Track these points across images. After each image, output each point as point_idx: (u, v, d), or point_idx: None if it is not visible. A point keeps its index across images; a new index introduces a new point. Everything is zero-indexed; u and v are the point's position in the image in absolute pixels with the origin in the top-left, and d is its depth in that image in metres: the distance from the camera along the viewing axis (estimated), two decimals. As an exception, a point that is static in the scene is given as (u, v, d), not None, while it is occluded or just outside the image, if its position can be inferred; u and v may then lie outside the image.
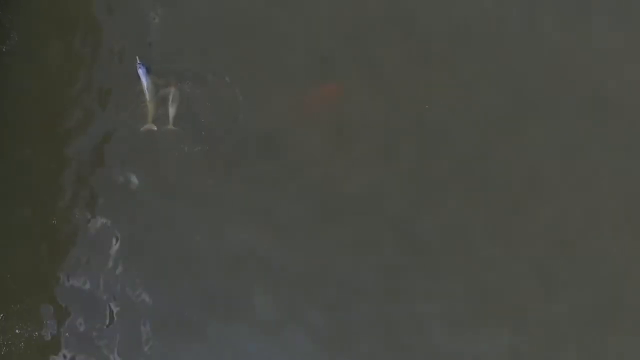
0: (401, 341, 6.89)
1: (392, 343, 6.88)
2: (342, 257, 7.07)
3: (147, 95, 7.33)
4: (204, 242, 7.21)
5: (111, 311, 7.03)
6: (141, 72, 7.31)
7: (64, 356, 6.88)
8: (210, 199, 7.30)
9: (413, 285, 6.98)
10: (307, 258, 7.08)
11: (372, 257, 7.09)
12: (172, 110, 7.35)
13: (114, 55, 7.74)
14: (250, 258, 7.11)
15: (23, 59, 7.84)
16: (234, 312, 7.00)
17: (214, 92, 7.48)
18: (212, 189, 7.32)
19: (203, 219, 7.27)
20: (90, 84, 7.69)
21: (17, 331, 6.86)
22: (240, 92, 7.53)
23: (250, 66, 7.63)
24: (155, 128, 7.36)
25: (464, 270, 6.99)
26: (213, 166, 7.35)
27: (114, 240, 7.22)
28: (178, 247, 7.19)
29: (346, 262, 7.06)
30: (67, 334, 6.91)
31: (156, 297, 7.03)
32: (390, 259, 7.07)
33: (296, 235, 7.16)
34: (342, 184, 7.28)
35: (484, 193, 7.19)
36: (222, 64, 7.62)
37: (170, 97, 7.37)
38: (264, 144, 7.45)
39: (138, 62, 7.34)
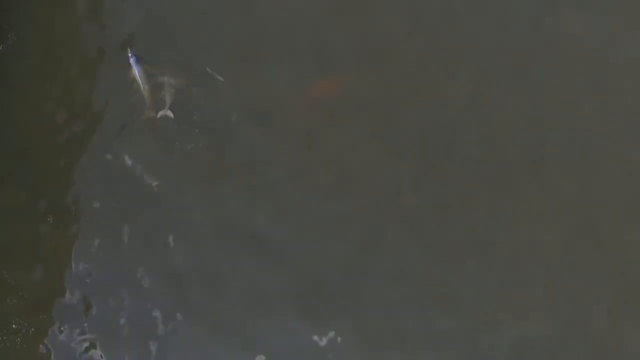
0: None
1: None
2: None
3: (141, 85, 7.41)
4: (203, 231, 7.23)
5: (113, 304, 7.00)
6: (132, 61, 7.44)
7: (62, 351, 6.81)
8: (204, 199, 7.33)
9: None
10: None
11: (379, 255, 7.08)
12: (168, 97, 7.40)
13: (111, 52, 7.77)
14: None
15: (21, 59, 7.86)
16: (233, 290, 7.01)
17: (209, 87, 7.51)
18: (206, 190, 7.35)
19: (201, 210, 7.29)
20: (88, 81, 7.73)
21: (13, 326, 6.82)
22: (236, 87, 7.55)
23: (248, 61, 7.66)
24: (156, 115, 7.40)
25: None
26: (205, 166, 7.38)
27: (112, 233, 7.19)
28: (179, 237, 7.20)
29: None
30: (63, 327, 6.85)
31: (157, 282, 7.02)
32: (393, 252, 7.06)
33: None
34: (342, 183, 7.27)
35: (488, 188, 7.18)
36: (218, 57, 7.65)
37: (165, 85, 7.43)
38: (262, 139, 7.43)
39: (129, 53, 7.47)
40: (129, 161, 7.39)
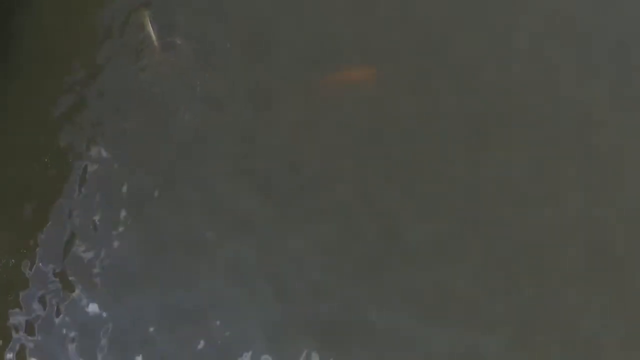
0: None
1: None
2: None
3: (154, 37, 7.36)
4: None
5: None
6: (146, 14, 7.40)
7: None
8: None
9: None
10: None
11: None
12: (181, 43, 7.31)
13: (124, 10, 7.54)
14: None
15: (37, 19, 7.60)
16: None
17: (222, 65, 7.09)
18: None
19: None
20: (103, 34, 7.44)
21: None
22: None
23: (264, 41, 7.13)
24: (167, 60, 7.26)
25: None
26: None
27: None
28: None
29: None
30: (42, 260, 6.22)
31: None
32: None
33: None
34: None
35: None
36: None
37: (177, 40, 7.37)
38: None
39: (145, 11, 7.46)
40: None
